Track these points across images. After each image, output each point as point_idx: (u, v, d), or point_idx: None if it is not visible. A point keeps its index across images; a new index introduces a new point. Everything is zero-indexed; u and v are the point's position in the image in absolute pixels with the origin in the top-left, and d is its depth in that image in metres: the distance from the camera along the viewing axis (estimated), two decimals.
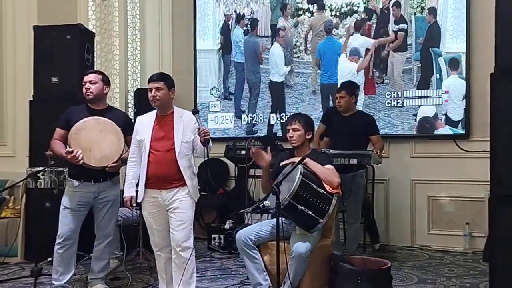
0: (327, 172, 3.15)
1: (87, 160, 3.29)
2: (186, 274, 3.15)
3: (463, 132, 4.92)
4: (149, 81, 3.22)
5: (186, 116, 3.20)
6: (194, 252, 3.19)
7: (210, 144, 3.10)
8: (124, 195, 3.26)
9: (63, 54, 4.55)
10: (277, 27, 5.75)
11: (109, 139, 3.36)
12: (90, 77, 3.51)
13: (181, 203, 3.11)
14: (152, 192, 3.17)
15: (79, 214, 3.44)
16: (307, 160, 3.14)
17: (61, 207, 3.44)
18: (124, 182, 3.29)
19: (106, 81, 3.58)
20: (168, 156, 3.13)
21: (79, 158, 3.24)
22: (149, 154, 3.15)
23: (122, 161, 3.48)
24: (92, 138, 3.33)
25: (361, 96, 5.19)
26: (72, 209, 3.42)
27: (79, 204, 3.43)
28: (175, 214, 3.13)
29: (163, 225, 3.20)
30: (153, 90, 3.16)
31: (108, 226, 3.56)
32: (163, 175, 3.12)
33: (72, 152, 3.24)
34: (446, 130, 4.99)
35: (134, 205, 3.24)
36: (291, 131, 3.34)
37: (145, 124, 3.24)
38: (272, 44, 5.79)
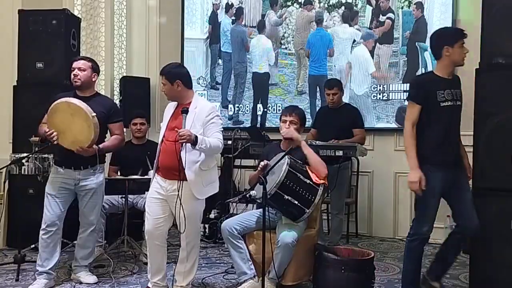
0: (319, 161, 3.20)
1: (61, 141, 3.26)
2: (187, 265, 3.20)
3: None
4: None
5: (201, 107, 3.10)
6: (198, 246, 3.27)
7: (201, 146, 2.97)
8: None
9: (49, 39, 4.47)
10: (265, 20, 5.72)
11: (79, 125, 3.25)
12: (79, 63, 3.45)
13: (183, 201, 3.00)
14: (159, 179, 3.16)
15: (61, 201, 3.42)
16: (303, 143, 3.19)
17: (45, 193, 3.43)
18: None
19: (95, 68, 3.52)
20: (174, 147, 3.05)
21: (54, 138, 3.22)
22: (161, 143, 3.16)
23: (103, 149, 3.44)
24: (64, 121, 3.25)
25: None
26: (54, 195, 3.40)
27: (61, 190, 3.41)
28: (177, 211, 3.06)
29: (157, 214, 3.16)
30: (162, 84, 3.18)
31: (91, 214, 3.53)
32: (168, 165, 3.08)
33: (48, 132, 3.23)
34: None
35: None
36: (288, 122, 3.33)
37: (167, 113, 3.24)
38: (259, 34, 5.76)
